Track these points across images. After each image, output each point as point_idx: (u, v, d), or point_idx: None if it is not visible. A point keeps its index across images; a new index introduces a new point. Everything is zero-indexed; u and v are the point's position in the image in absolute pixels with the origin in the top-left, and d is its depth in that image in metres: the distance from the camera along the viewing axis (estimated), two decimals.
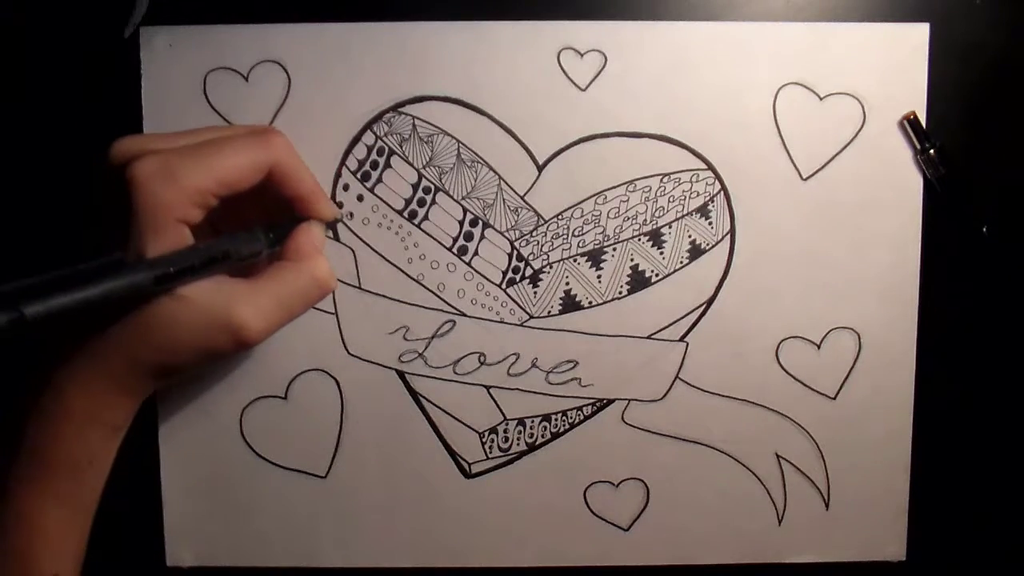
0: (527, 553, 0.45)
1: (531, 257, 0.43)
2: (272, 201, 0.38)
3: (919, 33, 0.42)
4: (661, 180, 0.43)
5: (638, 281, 0.43)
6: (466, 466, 0.44)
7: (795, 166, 0.43)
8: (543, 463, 0.44)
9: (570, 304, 0.43)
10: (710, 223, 0.43)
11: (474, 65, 0.42)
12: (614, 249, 0.43)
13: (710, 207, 0.43)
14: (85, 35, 0.42)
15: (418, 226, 0.43)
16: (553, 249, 0.43)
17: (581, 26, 0.42)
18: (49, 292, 0.30)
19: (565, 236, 0.43)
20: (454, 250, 0.43)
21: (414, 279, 0.43)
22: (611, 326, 0.43)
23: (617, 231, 0.43)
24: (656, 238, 0.43)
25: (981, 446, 0.45)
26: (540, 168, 0.43)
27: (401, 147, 0.42)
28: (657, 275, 0.43)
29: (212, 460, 0.44)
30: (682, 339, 0.44)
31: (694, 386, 0.44)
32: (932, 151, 0.42)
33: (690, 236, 0.43)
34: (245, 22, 0.42)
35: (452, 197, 0.43)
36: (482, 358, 0.44)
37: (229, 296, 0.35)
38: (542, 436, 0.44)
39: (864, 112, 0.43)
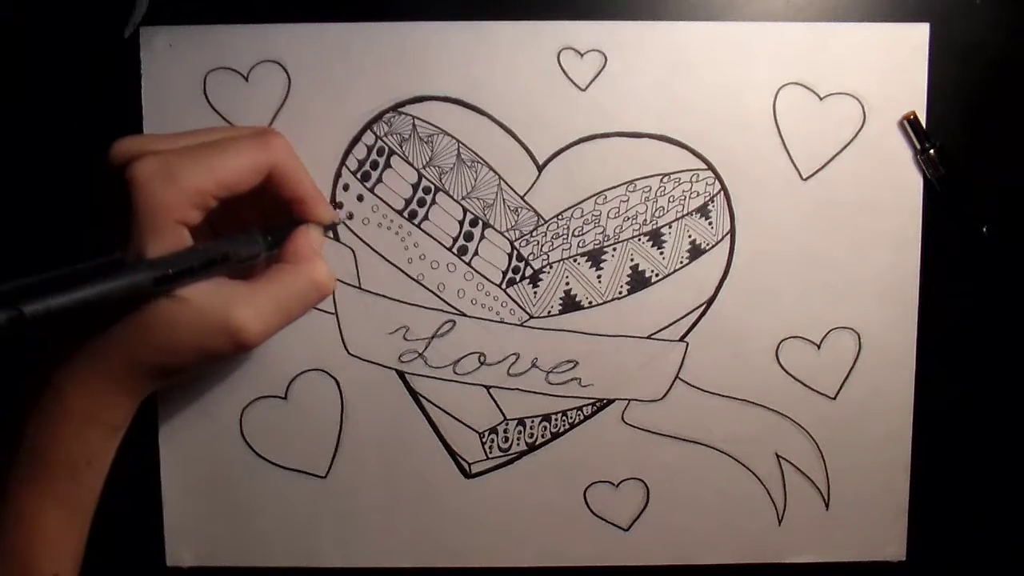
0: (527, 553, 0.45)
1: (531, 257, 0.43)
2: (271, 203, 0.38)
3: (919, 33, 0.42)
4: (661, 180, 0.43)
5: (638, 281, 0.43)
6: (466, 466, 0.44)
7: (795, 166, 0.43)
8: (543, 463, 0.44)
9: (570, 304, 0.43)
10: (710, 223, 0.43)
11: (474, 65, 0.42)
12: (614, 249, 0.43)
13: (710, 207, 0.43)
14: (85, 35, 0.42)
15: (418, 226, 0.43)
16: (553, 249, 0.43)
17: (581, 26, 0.42)
18: (49, 292, 0.30)
19: (565, 236, 0.43)
20: (454, 250, 0.43)
21: (414, 279, 0.43)
22: (611, 326, 0.43)
23: (617, 231, 0.43)
24: (656, 238, 0.43)
25: (981, 446, 0.45)
26: (540, 168, 0.43)
27: (401, 147, 0.42)
28: (657, 275, 0.43)
29: (212, 460, 0.44)
30: (682, 339, 0.44)
31: (694, 386, 0.44)
32: (932, 151, 0.42)
33: (690, 236, 0.43)
34: (245, 22, 0.42)
35: (452, 197, 0.43)
36: (482, 358, 0.44)
37: (228, 298, 0.35)
38: (542, 436, 0.44)
39: (864, 112, 0.43)
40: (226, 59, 0.42)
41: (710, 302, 0.43)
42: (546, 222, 0.43)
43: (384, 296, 0.43)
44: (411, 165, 0.43)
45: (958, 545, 0.45)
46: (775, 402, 0.44)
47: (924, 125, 0.42)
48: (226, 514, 0.44)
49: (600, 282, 0.43)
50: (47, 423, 0.35)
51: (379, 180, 0.43)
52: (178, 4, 0.42)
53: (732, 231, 0.43)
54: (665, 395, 0.44)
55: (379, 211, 0.43)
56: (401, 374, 0.44)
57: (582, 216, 0.43)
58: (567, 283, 0.43)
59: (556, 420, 0.44)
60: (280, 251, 0.38)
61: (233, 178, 0.36)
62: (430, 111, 0.42)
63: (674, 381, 0.44)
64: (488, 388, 0.44)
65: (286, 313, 0.37)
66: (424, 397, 0.44)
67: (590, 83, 0.42)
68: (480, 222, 0.43)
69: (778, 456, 0.44)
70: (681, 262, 0.43)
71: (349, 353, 0.44)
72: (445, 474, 0.44)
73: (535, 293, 0.43)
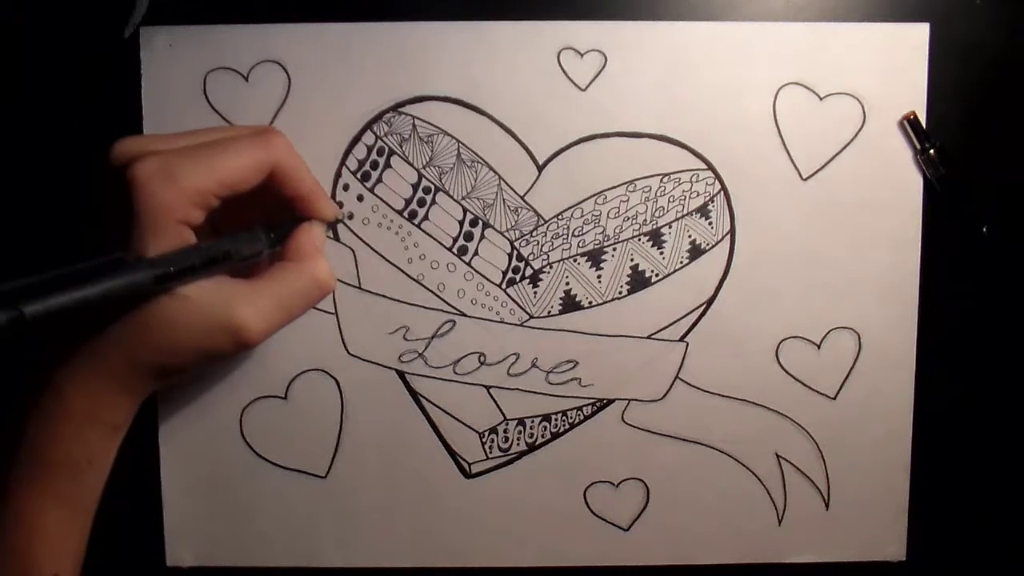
0: (527, 553, 0.45)
1: (531, 257, 0.43)
2: (273, 201, 0.38)
3: (919, 33, 0.42)
4: (661, 180, 0.43)
5: (638, 281, 0.43)
6: (466, 466, 0.44)
7: (795, 166, 0.43)
8: (543, 463, 0.44)
9: (570, 304, 0.43)
10: (710, 223, 0.43)
11: (474, 65, 0.42)
12: (614, 249, 0.43)
13: (710, 207, 0.43)
14: (85, 35, 0.42)
15: (418, 226, 0.43)
16: (553, 249, 0.43)
17: (581, 26, 0.42)
18: (49, 291, 0.30)
19: (565, 236, 0.43)
20: (454, 250, 0.43)
21: (414, 279, 0.43)
22: (611, 326, 0.43)
23: (617, 231, 0.43)
24: (656, 238, 0.43)
25: (981, 446, 0.45)
26: (540, 168, 0.43)
27: (401, 147, 0.42)
28: (657, 275, 0.43)
29: (212, 460, 0.44)
30: (682, 339, 0.44)
31: (694, 386, 0.44)
32: (932, 151, 0.42)
33: (690, 236, 0.43)
34: (245, 22, 0.42)
35: (452, 197, 0.43)
36: (482, 358, 0.44)
37: (229, 296, 0.35)
38: (542, 436, 0.44)
39: (864, 112, 0.43)
40: (226, 59, 0.42)
41: (710, 302, 0.43)
42: (546, 222, 0.43)
43: (384, 296, 0.43)
44: (411, 165, 0.43)
45: (958, 545, 0.45)
46: (775, 402, 0.44)
47: (924, 125, 0.42)
48: (226, 514, 0.44)
49: (600, 282, 0.43)
50: (47, 423, 0.35)
51: (379, 180, 0.43)
52: (178, 4, 0.42)
53: (732, 231, 0.43)
54: (665, 395, 0.44)
55: (379, 211, 0.43)
56: (401, 374, 0.44)
57: (582, 216, 0.43)
58: (567, 283, 0.43)
59: (556, 420, 0.44)
60: (282, 248, 0.38)
61: (234, 177, 0.36)
62: (430, 111, 0.42)
63: (674, 381, 0.44)
64: (488, 388, 0.44)
65: (288, 311, 0.37)
66: (424, 397, 0.44)
67: (590, 83, 0.42)
68: (480, 222, 0.43)
69: (778, 456, 0.44)
70: (681, 262, 0.43)
71: (349, 353, 0.44)
72: (445, 474, 0.44)
73: (535, 293, 0.43)
